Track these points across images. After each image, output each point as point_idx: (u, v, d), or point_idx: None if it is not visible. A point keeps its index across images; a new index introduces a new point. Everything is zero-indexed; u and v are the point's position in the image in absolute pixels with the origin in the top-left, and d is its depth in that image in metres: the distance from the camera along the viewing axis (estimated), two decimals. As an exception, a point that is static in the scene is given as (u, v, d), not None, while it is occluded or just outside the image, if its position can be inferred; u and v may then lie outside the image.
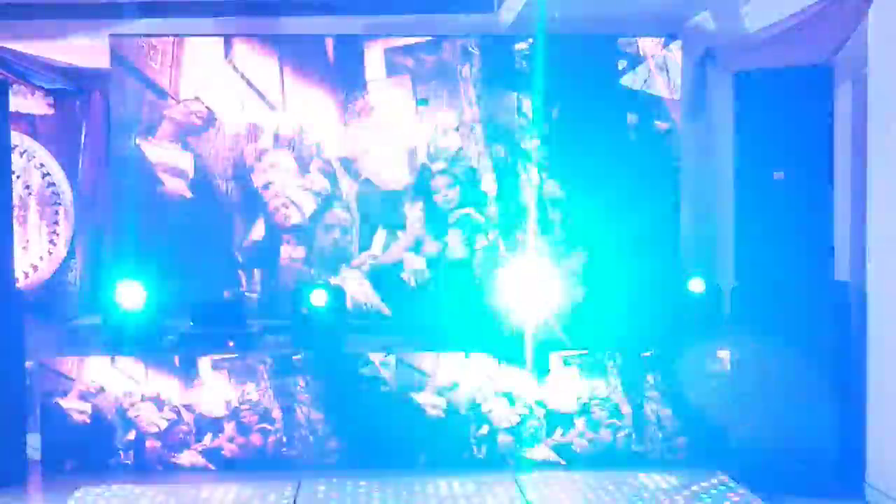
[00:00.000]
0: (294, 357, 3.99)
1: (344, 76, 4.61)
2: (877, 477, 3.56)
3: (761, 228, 3.83)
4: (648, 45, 4.75)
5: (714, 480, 3.82)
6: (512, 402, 3.97)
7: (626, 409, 3.99)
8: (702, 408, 4.10)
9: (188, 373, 3.98)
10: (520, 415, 3.95)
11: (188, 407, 3.95)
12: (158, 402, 3.95)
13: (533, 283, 4.16)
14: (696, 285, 4.40)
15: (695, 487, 3.72)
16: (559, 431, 3.97)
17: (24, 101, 5.22)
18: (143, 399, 3.96)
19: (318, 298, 4.07)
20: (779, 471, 3.72)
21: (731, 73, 4.17)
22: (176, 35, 4.75)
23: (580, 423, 3.99)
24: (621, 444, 4.06)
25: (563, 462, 3.93)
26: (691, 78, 5.15)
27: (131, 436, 3.96)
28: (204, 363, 3.96)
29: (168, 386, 3.95)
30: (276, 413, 3.92)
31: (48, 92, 5.41)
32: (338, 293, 4.21)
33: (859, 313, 3.76)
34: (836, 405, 3.72)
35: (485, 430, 3.94)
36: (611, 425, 4.01)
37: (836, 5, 3.67)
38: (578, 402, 3.98)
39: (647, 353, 4.06)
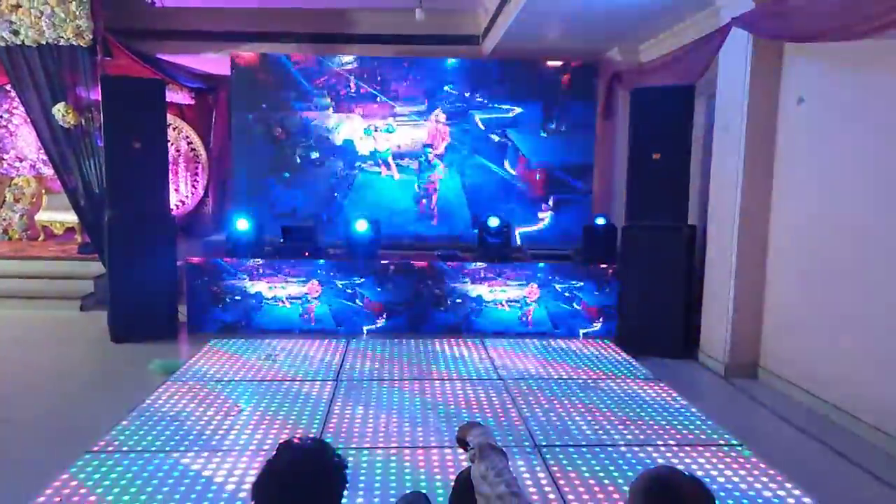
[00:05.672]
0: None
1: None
2: (706, 345, 4.66)
3: (644, 188, 4.79)
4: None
5: (603, 345, 5.04)
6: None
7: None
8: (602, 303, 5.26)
9: (280, 270, 5.25)
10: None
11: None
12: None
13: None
14: (601, 221, 5.59)
15: (591, 349, 4.96)
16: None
17: (175, 95, 6.68)
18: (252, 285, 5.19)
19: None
20: (647, 341, 4.79)
21: (629, 90, 5.14)
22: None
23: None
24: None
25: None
26: (604, 92, 6.48)
27: (244, 307, 5.21)
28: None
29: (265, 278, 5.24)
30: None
31: (191, 88, 7.02)
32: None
33: (701, 244, 4.75)
34: (685, 301, 4.74)
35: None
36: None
37: (697, 48, 4.71)
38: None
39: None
